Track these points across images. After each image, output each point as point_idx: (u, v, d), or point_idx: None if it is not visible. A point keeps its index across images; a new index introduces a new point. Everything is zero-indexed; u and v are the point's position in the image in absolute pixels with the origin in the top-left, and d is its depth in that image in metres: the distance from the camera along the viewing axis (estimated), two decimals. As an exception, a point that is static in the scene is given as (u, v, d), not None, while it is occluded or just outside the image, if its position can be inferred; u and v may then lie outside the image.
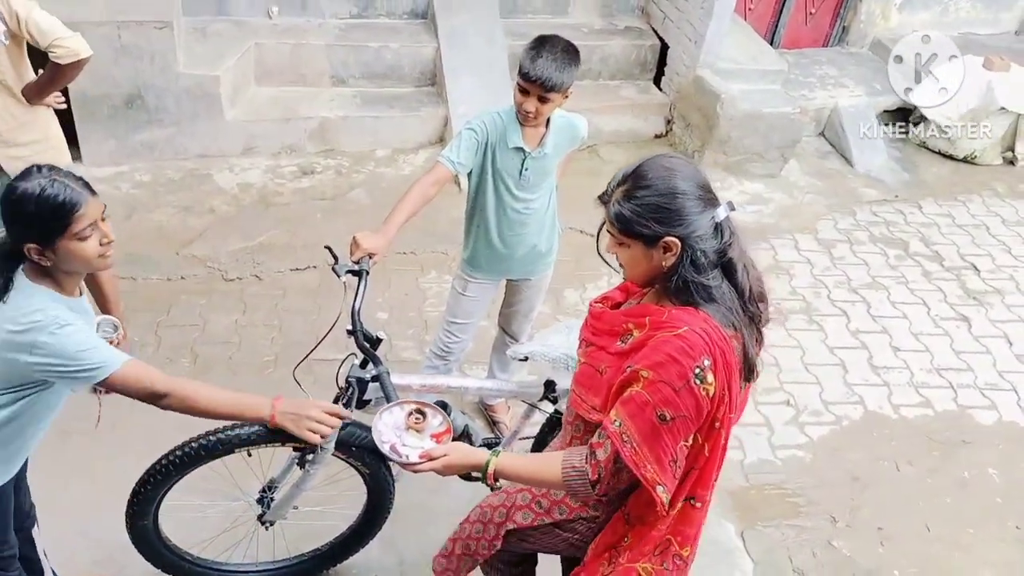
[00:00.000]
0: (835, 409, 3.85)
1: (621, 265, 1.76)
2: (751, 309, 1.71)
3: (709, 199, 1.66)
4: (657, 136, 5.88)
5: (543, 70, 2.47)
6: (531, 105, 2.55)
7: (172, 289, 4.00)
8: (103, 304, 3.51)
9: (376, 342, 2.33)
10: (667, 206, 1.61)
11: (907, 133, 6.31)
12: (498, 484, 1.87)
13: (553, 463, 1.75)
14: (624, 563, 1.84)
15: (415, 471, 1.87)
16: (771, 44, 6.36)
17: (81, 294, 1.91)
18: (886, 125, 6.22)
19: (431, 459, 1.83)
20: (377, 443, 1.94)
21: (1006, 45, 6.94)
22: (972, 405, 3.97)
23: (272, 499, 2.55)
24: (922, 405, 3.94)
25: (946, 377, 4.12)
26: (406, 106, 5.36)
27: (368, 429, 2.13)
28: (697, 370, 1.59)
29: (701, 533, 1.88)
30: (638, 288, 1.87)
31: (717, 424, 1.69)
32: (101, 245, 1.81)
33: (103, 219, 1.81)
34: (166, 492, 2.36)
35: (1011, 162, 6.13)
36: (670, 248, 1.63)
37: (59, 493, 2.84)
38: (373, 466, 2.47)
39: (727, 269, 1.68)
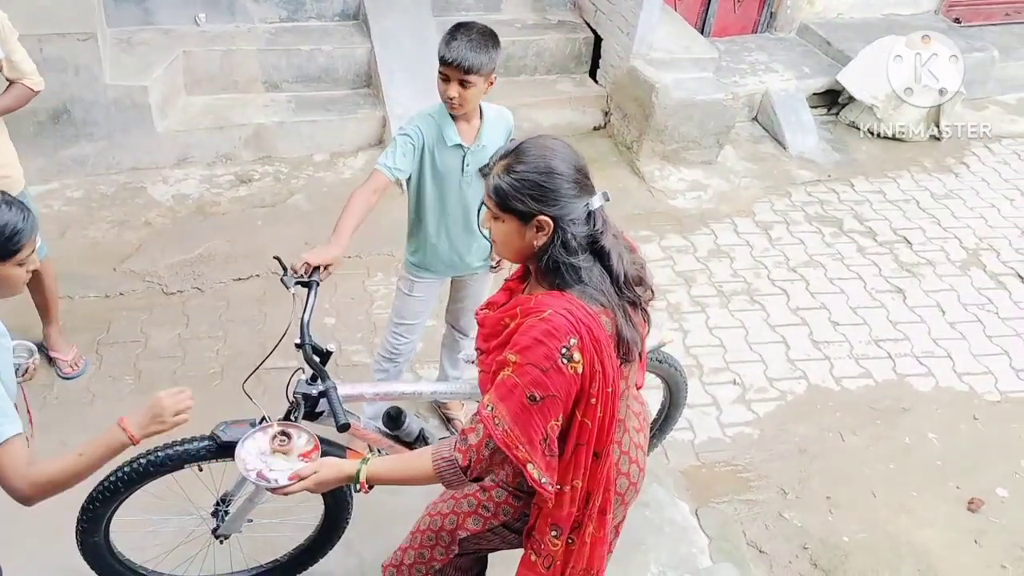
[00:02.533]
0: (780, 385, 3.95)
1: (493, 240, 1.80)
2: (628, 293, 1.76)
3: (585, 185, 1.71)
4: (596, 128, 5.93)
5: (459, 51, 2.46)
6: (453, 91, 2.53)
7: (111, 306, 3.92)
8: (44, 310, 3.47)
9: (326, 355, 2.30)
10: (543, 184, 1.66)
11: (837, 114, 6.48)
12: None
13: (423, 458, 1.78)
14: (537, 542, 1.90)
15: (286, 494, 1.86)
16: (701, 33, 6.45)
17: None
18: (816, 107, 6.38)
19: (301, 479, 1.83)
20: (242, 472, 1.91)
21: (926, 24, 7.15)
22: (910, 373, 4.11)
23: (227, 512, 2.52)
24: (863, 376, 4.06)
25: (884, 348, 4.25)
26: (342, 109, 5.32)
27: (327, 443, 2.12)
28: (564, 350, 1.63)
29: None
30: (519, 286, 1.91)
31: (593, 400, 1.72)
32: (27, 272, 1.80)
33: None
34: (116, 508, 2.33)
35: (937, 137, 6.33)
36: (543, 227, 1.68)
37: (11, 525, 2.75)
38: None
39: (600, 255, 1.72)
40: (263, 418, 2.28)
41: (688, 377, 3.20)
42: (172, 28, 5.18)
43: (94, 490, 2.27)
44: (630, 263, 1.77)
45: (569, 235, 1.67)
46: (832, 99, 6.49)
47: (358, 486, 1.82)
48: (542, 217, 1.67)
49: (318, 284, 2.35)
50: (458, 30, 2.50)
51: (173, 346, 3.74)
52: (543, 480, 1.74)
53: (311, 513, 2.66)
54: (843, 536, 3.26)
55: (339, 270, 4.00)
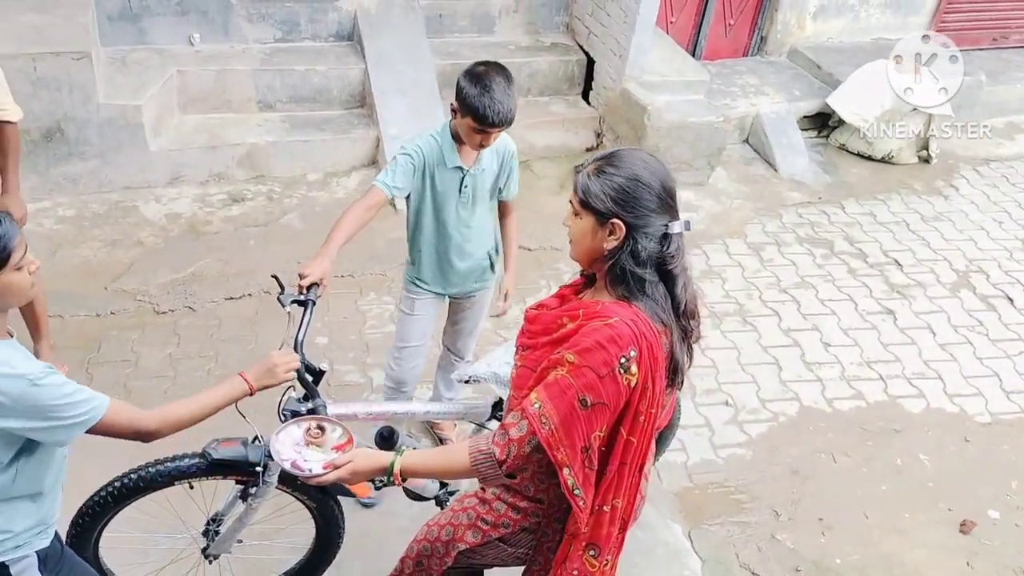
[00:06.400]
0: (772, 406, 3.95)
1: (570, 241, 1.82)
2: (683, 323, 1.78)
3: (668, 205, 1.73)
4: (588, 149, 5.96)
5: (506, 112, 2.49)
6: (489, 140, 2.59)
7: (102, 325, 3.90)
8: (34, 327, 3.45)
9: (319, 374, 2.30)
10: (627, 189, 1.69)
11: (827, 136, 6.54)
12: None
13: (460, 451, 1.79)
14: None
15: (321, 483, 1.88)
16: (693, 56, 6.52)
17: (12, 335, 1.82)
18: (806, 130, 6.44)
19: (335, 468, 1.84)
20: (277, 460, 1.94)
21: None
22: (901, 395, 4.12)
23: (217, 532, 2.50)
24: (854, 397, 4.07)
25: (875, 369, 4.26)
26: (336, 129, 5.34)
27: None
28: (623, 359, 1.65)
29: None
30: (573, 295, 1.92)
31: (642, 418, 1.73)
32: (30, 274, 1.77)
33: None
34: (105, 524, 2.32)
35: (926, 160, 6.39)
36: (615, 231, 1.70)
37: None
38: (319, 500, 2.44)
39: (667, 278, 1.74)
40: (256, 436, 2.28)
41: (681, 398, 3.20)
42: (166, 48, 5.20)
43: (83, 505, 2.26)
44: (692, 296, 1.79)
45: (640, 246, 1.70)
46: (822, 122, 6.55)
47: (391, 478, 1.82)
48: (616, 220, 1.69)
49: (314, 303, 2.36)
50: (491, 88, 2.48)
51: (164, 365, 3.72)
52: (577, 491, 1.74)
53: (302, 536, 2.63)
54: (836, 558, 3.25)
55: (332, 289, 4.01)
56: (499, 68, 2.55)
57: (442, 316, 3.20)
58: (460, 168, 2.70)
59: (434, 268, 2.92)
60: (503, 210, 2.99)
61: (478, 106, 2.48)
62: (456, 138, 2.68)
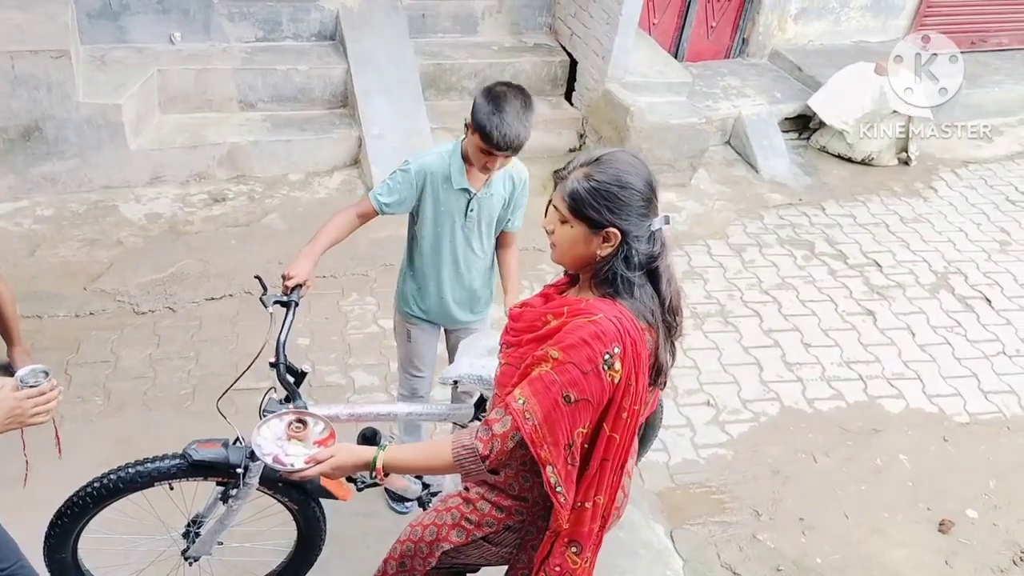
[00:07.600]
0: (753, 406, 3.97)
1: (553, 245, 1.81)
2: (668, 319, 1.79)
3: (653, 204, 1.74)
4: (571, 150, 5.97)
5: (513, 137, 2.37)
6: (495, 163, 2.48)
7: (81, 325, 3.86)
8: (5, 332, 3.40)
9: (300, 376, 2.29)
10: (619, 196, 1.69)
11: (808, 138, 6.58)
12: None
13: (443, 446, 1.78)
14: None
15: (303, 477, 1.86)
16: (675, 57, 6.54)
17: None
18: (787, 132, 6.48)
19: (318, 462, 1.83)
20: (258, 455, 1.92)
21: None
22: (881, 395, 4.15)
23: (197, 534, 2.48)
24: (834, 398, 4.10)
25: (855, 370, 4.30)
26: (318, 128, 5.31)
27: None
28: (607, 356, 1.65)
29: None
30: (557, 295, 1.93)
31: (624, 414, 1.74)
32: None
33: None
34: (85, 525, 2.30)
35: (906, 162, 6.45)
36: (610, 239, 1.70)
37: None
38: (301, 502, 2.43)
39: (653, 276, 1.75)
40: (237, 438, 2.26)
41: (664, 399, 3.21)
42: (147, 46, 5.16)
43: (63, 506, 2.23)
44: (675, 291, 1.80)
45: (632, 251, 1.70)
46: (803, 124, 6.60)
47: (373, 473, 1.81)
48: (612, 229, 1.69)
49: (296, 304, 2.35)
50: (504, 109, 2.35)
51: (144, 366, 3.69)
52: (558, 488, 1.74)
53: (284, 538, 2.62)
54: (816, 558, 3.27)
55: (314, 290, 3.98)
56: (519, 91, 2.42)
57: (442, 336, 3.09)
58: (467, 190, 2.60)
59: (426, 298, 2.81)
60: (504, 240, 2.85)
61: (486, 124, 2.36)
62: (466, 158, 2.57)
